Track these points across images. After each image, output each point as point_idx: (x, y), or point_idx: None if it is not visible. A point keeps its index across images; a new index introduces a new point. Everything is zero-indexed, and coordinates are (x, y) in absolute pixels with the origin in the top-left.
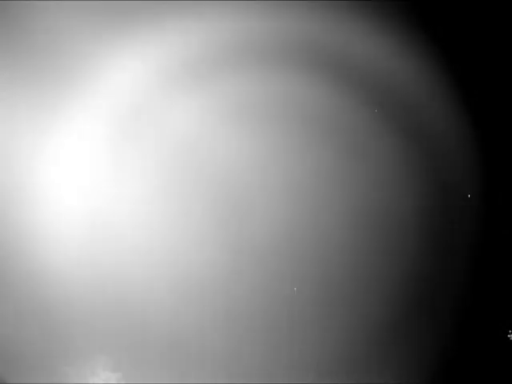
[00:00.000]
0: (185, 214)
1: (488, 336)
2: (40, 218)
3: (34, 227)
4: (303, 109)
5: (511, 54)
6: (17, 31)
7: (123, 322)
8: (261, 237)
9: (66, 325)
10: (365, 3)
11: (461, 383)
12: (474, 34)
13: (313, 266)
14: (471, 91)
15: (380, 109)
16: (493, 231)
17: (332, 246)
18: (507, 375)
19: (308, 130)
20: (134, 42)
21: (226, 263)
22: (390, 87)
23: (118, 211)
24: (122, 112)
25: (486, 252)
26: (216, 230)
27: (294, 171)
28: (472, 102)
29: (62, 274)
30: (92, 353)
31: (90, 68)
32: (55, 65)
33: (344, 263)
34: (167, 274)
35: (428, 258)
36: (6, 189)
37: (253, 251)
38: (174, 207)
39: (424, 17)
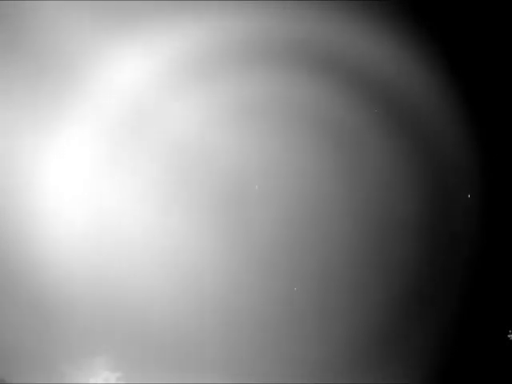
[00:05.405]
0: (187, 214)
1: (488, 336)
2: (40, 218)
3: (34, 227)
4: (304, 109)
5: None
6: (17, 30)
7: (123, 322)
8: (262, 237)
9: (66, 325)
10: (368, 3)
11: (461, 383)
12: (475, 33)
13: (313, 266)
14: (473, 90)
15: (380, 109)
16: (493, 231)
17: (333, 245)
18: (507, 375)
19: (309, 130)
20: (135, 42)
21: (226, 263)
22: (390, 88)
23: (118, 211)
24: (124, 112)
25: (486, 252)
26: (216, 230)
27: (295, 170)
28: (474, 101)
29: (62, 275)
30: (92, 353)
31: (91, 68)
32: (56, 65)
33: (345, 263)
34: (167, 274)
35: (428, 258)
36: (7, 189)
37: (254, 250)
38: (176, 207)
39: (425, 17)
